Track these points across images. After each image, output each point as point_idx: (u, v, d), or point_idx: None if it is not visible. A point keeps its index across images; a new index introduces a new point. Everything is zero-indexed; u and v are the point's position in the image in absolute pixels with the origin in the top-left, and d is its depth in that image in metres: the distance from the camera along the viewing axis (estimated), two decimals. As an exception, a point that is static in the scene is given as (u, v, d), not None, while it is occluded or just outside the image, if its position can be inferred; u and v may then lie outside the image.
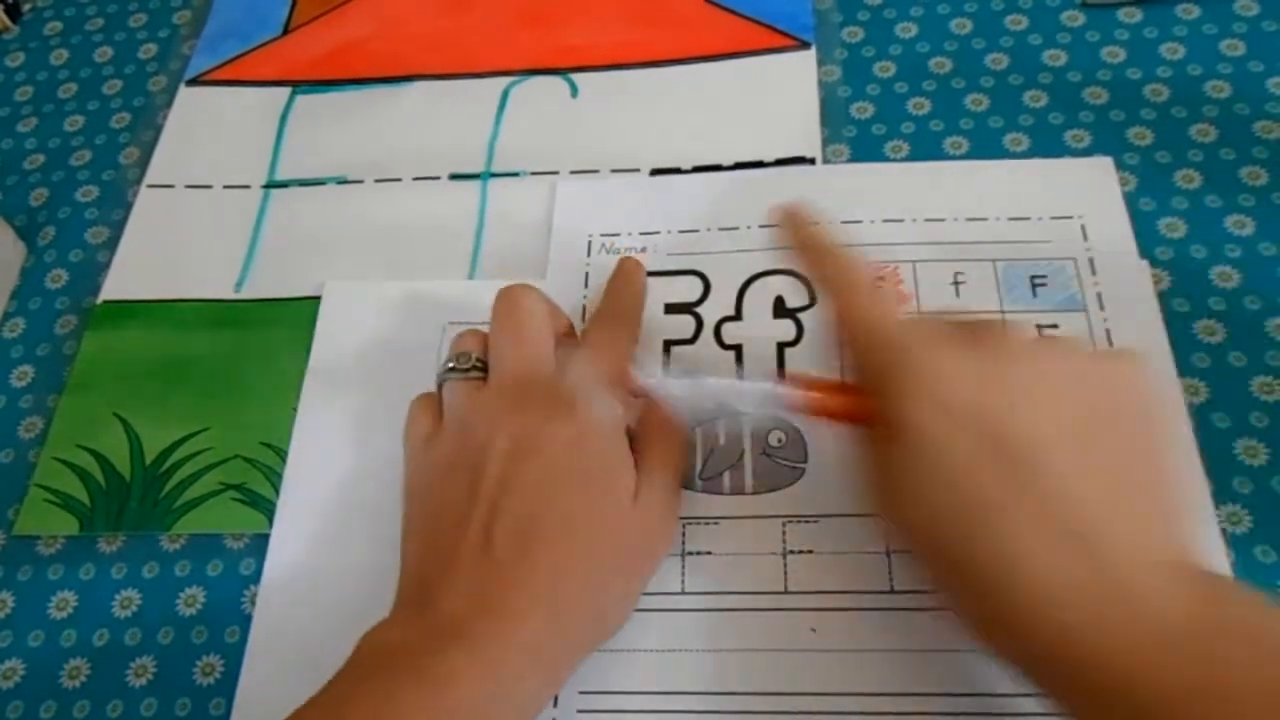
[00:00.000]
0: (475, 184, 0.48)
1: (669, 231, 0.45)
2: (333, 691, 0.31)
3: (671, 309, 0.43)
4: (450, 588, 0.32)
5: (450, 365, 0.39)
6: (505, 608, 0.32)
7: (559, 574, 0.33)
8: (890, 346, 0.31)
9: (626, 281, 0.42)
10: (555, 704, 0.35)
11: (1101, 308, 0.41)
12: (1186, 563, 0.29)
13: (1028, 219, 0.43)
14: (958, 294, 0.42)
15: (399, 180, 0.49)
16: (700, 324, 0.43)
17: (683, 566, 0.38)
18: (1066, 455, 0.29)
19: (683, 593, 0.37)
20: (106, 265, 0.48)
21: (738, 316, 0.43)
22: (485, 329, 0.39)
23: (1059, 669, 0.28)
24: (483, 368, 0.38)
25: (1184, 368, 0.40)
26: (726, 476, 0.39)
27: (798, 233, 0.35)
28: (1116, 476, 0.29)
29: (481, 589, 0.32)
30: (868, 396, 0.32)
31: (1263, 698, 0.25)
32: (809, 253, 0.35)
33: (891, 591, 0.36)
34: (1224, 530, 0.36)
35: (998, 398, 0.29)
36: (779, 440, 0.39)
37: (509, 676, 0.31)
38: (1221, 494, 0.37)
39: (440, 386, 0.39)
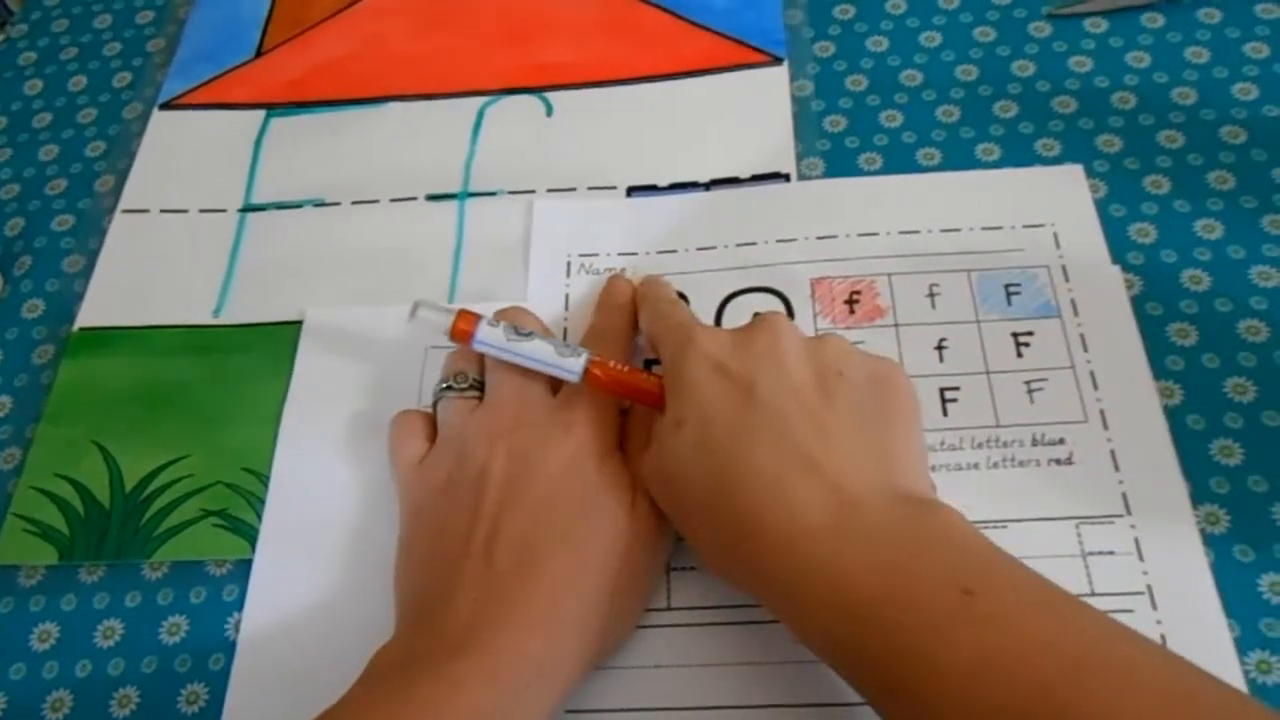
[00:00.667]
0: (452, 204, 0.49)
1: (647, 252, 0.45)
2: (348, 702, 0.32)
3: (651, 326, 0.43)
4: (455, 603, 0.33)
5: (446, 384, 0.39)
6: (510, 620, 0.32)
7: (562, 588, 0.34)
8: (681, 330, 0.37)
9: (616, 300, 0.43)
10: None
11: (1076, 313, 0.41)
12: (909, 493, 0.32)
13: (1000, 228, 0.44)
14: (933, 305, 0.42)
15: (376, 202, 0.49)
16: (679, 340, 0.43)
17: (669, 582, 0.38)
18: (799, 399, 0.34)
19: (669, 608, 0.37)
20: (83, 294, 0.48)
21: (717, 332, 0.43)
22: None
23: (800, 593, 0.31)
24: (479, 387, 0.39)
25: (1158, 370, 0.40)
26: (709, 490, 0.39)
27: (644, 290, 0.42)
28: (848, 422, 0.34)
29: (486, 603, 0.33)
30: (662, 382, 0.37)
31: (935, 580, 0.29)
32: (641, 302, 0.42)
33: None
34: (1202, 531, 0.37)
35: (748, 354, 0.35)
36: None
37: (517, 686, 0.32)
38: (1199, 495, 0.37)
39: (435, 404, 0.40)
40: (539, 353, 0.38)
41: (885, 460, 0.33)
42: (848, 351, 0.36)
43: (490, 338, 0.38)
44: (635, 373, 0.38)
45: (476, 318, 0.38)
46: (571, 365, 0.37)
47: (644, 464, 0.36)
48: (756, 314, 0.41)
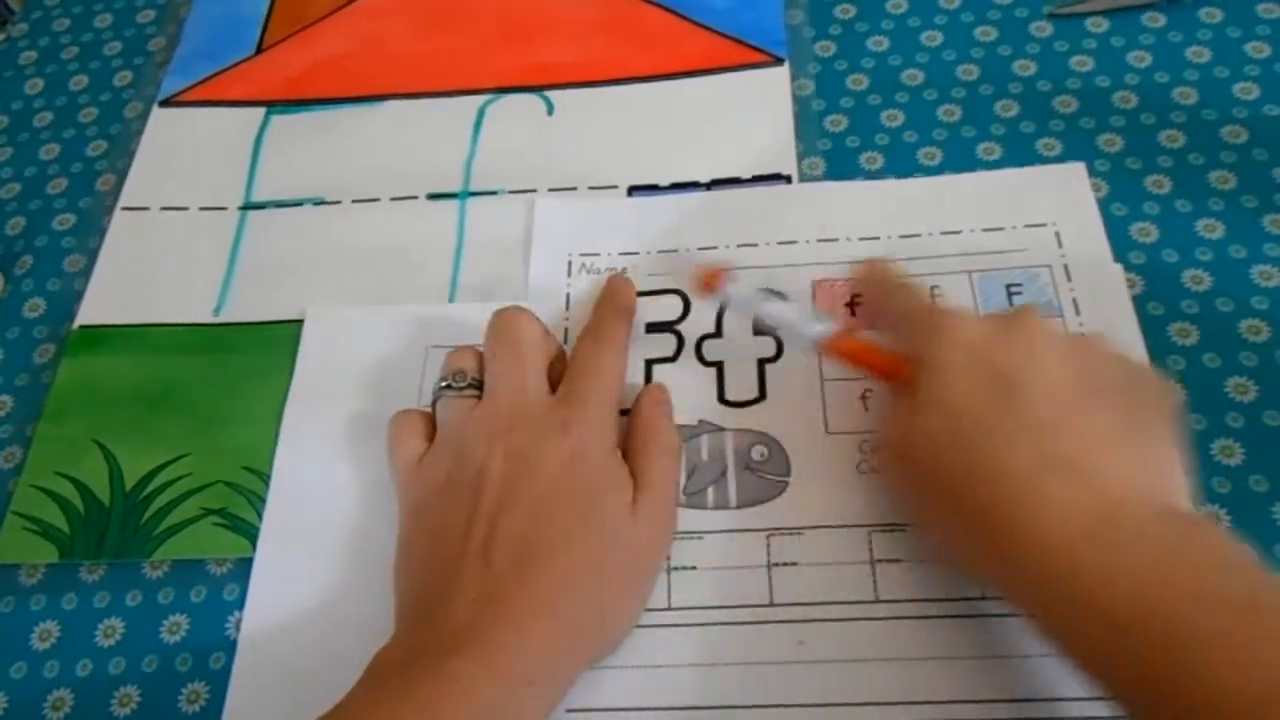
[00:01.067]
0: (453, 203, 0.49)
1: (648, 252, 0.45)
2: (348, 704, 0.32)
3: (653, 328, 0.43)
4: (454, 601, 0.33)
5: (445, 383, 0.39)
6: (509, 619, 0.32)
7: (561, 587, 0.34)
8: (934, 313, 0.36)
9: (614, 301, 0.43)
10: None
11: (1077, 313, 0.41)
12: (1169, 504, 0.31)
13: (1002, 229, 0.44)
14: (934, 304, 0.42)
15: (377, 200, 0.49)
16: (681, 342, 0.43)
17: (669, 582, 0.38)
18: (1059, 400, 0.32)
19: (669, 608, 0.37)
20: (84, 292, 0.48)
21: (718, 334, 0.43)
22: (477, 347, 0.40)
23: (1053, 596, 0.30)
24: (478, 386, 0.39)
25: (1160, 370, 0.40)
26: (710, 492, 0.39)
27: (870, 272, 0.41)
28: (1109, 429, 0.32)
29: (485, 602, 0.33)
30: (905, 361, 0.36)
31: (1205, 595, 0.28)
32: (874, 285, 0.41)
33: (876, 601, 0.36)
34: (1203, 532, 0.37)
35: (1008, 348, 0.34)
36: (761, 455, 0.40)
37: (517, 684, 0.32)
38: (1200, 495, 0.37)
39: (434, 403, 0.40)
40: (782, 314, 0.38)
41: (1145, 468, 0.32)
42: (1110, 354, 0.35)
43: (737, 295, 0.38)
44: (875, 349, 0.37)
45: (725, 273, 0.38)
46: (814, 331, 0.37)
47: (884, 439, 0.36)
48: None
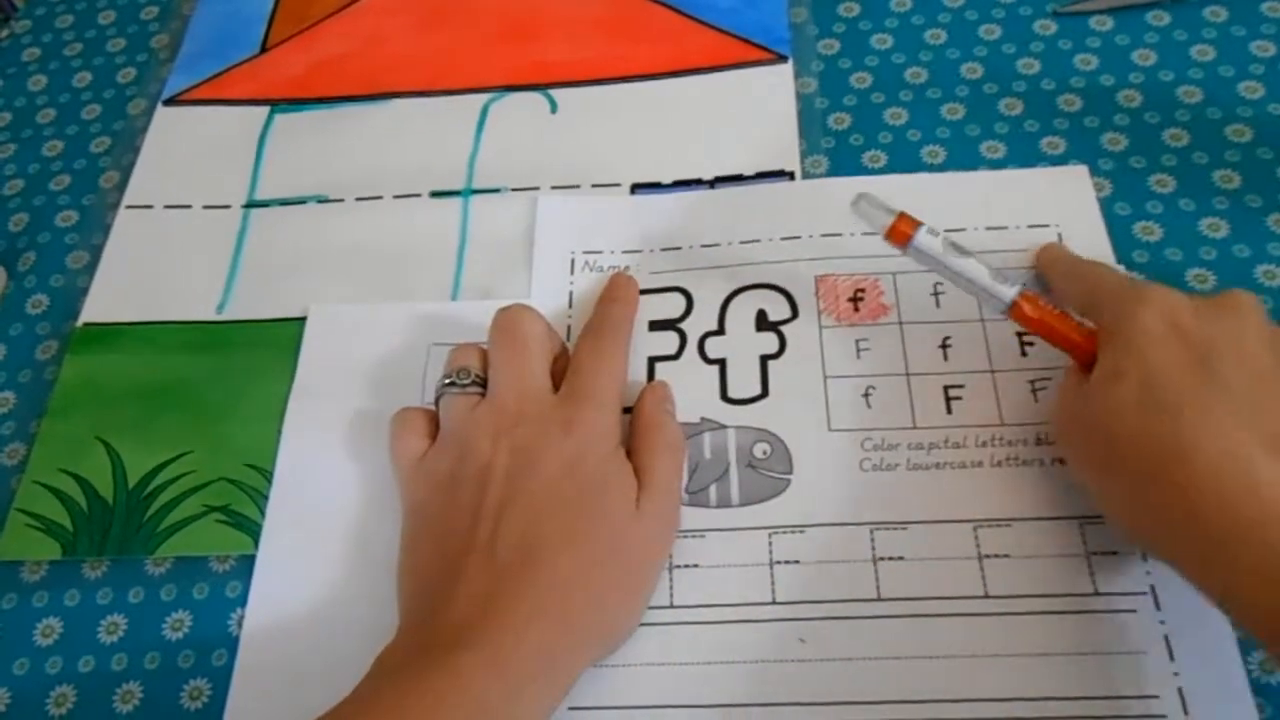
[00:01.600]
0: (456, 201, 0.49)
1: (651, 250, 0.45)
2: (351, 700, 0.32)
3: (655, 326, 0.43)
4: (456, 597, 0.33)
5: (448, 380, 0.39)
6: (513, 615, 0.33)
7: (564, 584, 0.34)
8: (1132, 285, 0.36)
9: (616, 298, 0.43)
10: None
11: (1081, 313, 0.41)
12: None
13: (1005, 228, 0.44)
14: (938, 304, 0.42)
15: (380, 198, 0.49)
16: (684, 340, 0.43)
17: (671, 580, 0.38)
18: (1259, 379, 0.32)
19: (671, 606, 0.37)
20: (87, 290, 0.48)
21: (720, 331, 0.43)
22: (480, 345, 0.40)
23: (1263, 580, 0.29)
24: (481, 384, 0.39)
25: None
26: (713, 490, 0.39)
27: (1053, 252, 0.42)
28: None
29: (489, 598, 0.33)
30: (1092, 335, 0.36)
31: None
32: (1060, 262, 0.41)
33: (879, 599, 0.36)
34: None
35: (1213, 323, 0.33)
36: (764, 452, 0.40)
37: (520, 680, 0.32)
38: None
39: (437, 401, 0.40)
40: (973, 272, 0.37)
41: None
42: None
43: (928, 246, 0.38)
44: (1064, 316, 0.37)
45: (917, 224, 0.38)
46: (1003, 292, 0.37)
47: (1066, 413, 0.35)
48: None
